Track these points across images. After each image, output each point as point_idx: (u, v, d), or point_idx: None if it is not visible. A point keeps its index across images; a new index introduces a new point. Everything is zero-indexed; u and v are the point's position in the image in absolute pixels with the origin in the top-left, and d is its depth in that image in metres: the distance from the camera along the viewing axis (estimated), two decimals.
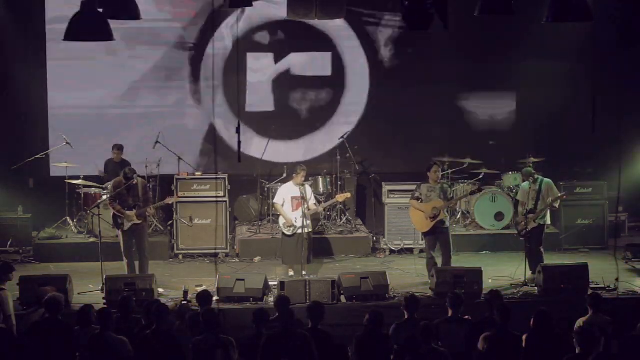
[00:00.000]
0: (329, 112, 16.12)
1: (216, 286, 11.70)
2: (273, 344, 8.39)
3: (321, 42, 15.97)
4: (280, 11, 15.30)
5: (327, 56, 16.02)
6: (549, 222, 12.72)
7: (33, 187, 14.89)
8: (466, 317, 9.47)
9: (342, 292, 11.77)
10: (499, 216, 14.78)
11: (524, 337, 8.75)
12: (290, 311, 8.89)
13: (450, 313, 9.38)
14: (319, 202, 13.72)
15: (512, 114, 16.21)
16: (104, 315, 8.83)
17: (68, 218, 14.75)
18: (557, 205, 12.75)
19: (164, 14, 15.59)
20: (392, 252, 14.47)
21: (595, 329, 8.48)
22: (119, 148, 14.75)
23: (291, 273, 12.84)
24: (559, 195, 12.68)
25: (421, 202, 12.50)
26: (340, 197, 13.50)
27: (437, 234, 12.52)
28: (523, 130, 16.12)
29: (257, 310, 9.09)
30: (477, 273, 11.90)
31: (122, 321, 9.26)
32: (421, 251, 13.90)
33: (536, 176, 12.60)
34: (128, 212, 12.30)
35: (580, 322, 9.35)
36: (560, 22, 10.71)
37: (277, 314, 9.18)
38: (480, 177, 15.11)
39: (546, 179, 12.60)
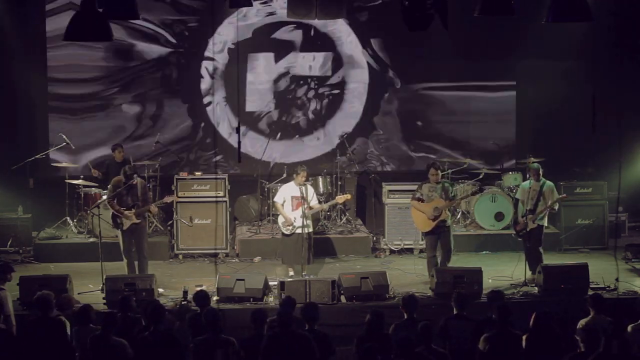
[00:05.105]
0: (329, 112, 16.13)
1: (216, 286, 11.71)
2: (274, 344, 8.40)
3: (321, 42, 15.98)
4: (280, 11, 15.39)
5: (327, 56, 16.02)
6: (546, 224, 12.70)
7: (33, 187, 14.88)
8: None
9: (342, 292, 11.76)
10: (499, 216, 14.77)
11: (524, 337, 8.75)
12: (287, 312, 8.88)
13: (455, 312, 9.39)
14: (319, 202, 13.71)
15: (512, 114, 16.20)
16: (108, 318, 8.84)
17: (68, 218, 14.75)
18: (556, 207, 12.74)
19: (164, 14, 15.60)
20: (392, 252, 14.46)
21: (599, 328, 8.50)
22: (119, 148, 14.76)
23: (291, 273, 12.83)
24: (559, 197, 12.67)
25: (422, 202, 12.49)
26: (341, 199, 13.49)
27: (438, 234, 12.52)
28: (523, 130, 16.13)
29: (255, 310, 9.11)
30: (477, 273, 11.90)
31: (122, 321, 9.26)
32: (421, 251, 13.90)
33: (541, 176, 12.55)
34: (127, 213, 12.29)
35: (582, 323, 9.35)
36: (560, 22, 10.70)
37: (277, 315, 9.18)
38: (480, 177, 15.11)
39: (549, 182, 12.58)
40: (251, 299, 11.60)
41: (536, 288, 12.08)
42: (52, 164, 14.99)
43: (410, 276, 13.05)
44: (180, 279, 12.84)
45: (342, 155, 15.28)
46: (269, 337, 8.50)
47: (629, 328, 9.01)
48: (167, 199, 13.08)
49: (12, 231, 14.40)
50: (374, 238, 14.80)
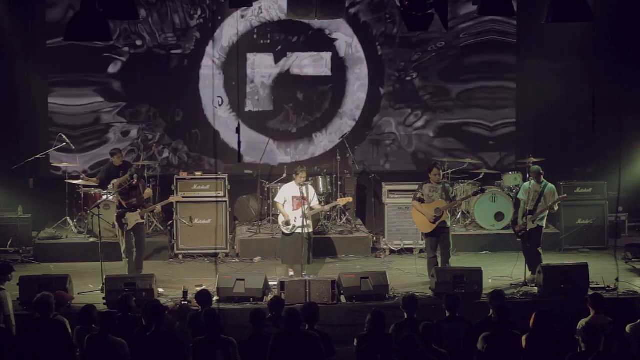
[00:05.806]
0: (329, 112, 16.13)
1: (216, 286, 11.71)
2: (282, 343, 8.40)
3: (321, 42, 15.98)
4: (280, 11, 15.39)
5: (327, 56, 16.02)
6: (544, 225, 12.68)
7: (33, 187, 14.88)
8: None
9: (342, 292, 11.76)
10: (499, 216, 14.76)
11: (524, 337, 8.76)
12: (295, 311, 8.86)
13: (447, 314, 9.39)
14: (319, 202, 13.69)
15: (512, 114, 16.20)
16: (106, 318, 8.84)
17: (68, 218, 14.75)
18: (556, 208, 12.74)
19: (163, 15, 15.61)
20: (392, 252, 14.46)
21: (599, 328, 8.50)
22: (119, 153, 14.76)
23: (291, 273, 12.83)
24: (559, 197, 12.67)
25: (423, 202, 12.48)
26: (342, 201, 13.45)
27: (438, 234, 12.51)
28: (523, 130, 16.12)
29: (254, 310, 9.09)
30: (477, 273, 11.90)
31: (122, 321, 9.26)
32: (421, 251, 13.89)
33: (542, 178, 12.53)
34: (131, 213, 12.34)
35: (582, 322, 9.35)
36: (560, 22, 10.71)
37: (286, 314, 9.19)
38: (480, 177, 15.11)
39: (550, 185, 12.56)
40: (251, 299, 11.59)
41: (536, 288, 12.08)
42: (52, 164, 14.98)
43: (410, 276, 13.06)
44: (180, 279, 12.84)
45: (342, 155, 15.27)
46: (276, 336, 8.50)
47: (628, 328, 9.02)
48: (172, 199, 13.18)
49: (12, 231, 14.40)
50: (374, 238, 14.80)
